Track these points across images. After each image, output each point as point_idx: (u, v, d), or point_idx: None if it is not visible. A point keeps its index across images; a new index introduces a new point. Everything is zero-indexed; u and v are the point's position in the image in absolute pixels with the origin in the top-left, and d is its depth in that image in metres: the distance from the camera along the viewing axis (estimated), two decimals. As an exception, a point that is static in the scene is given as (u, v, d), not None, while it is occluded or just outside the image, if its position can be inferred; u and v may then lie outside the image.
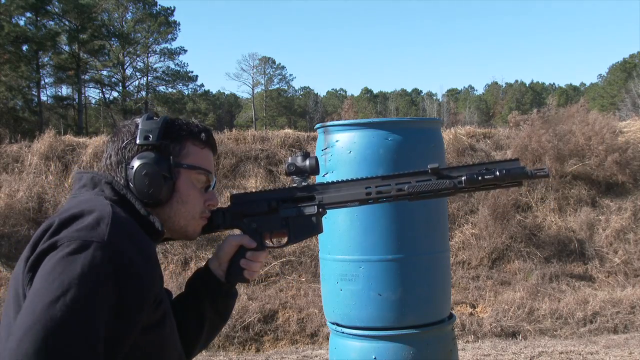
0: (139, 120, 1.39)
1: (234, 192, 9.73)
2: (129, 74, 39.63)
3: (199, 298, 1.45)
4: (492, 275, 8.74)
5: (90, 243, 1.10)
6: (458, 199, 9.93)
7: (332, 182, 1.51)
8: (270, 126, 44.29)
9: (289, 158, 1.54)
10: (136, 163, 1.33)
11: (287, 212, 1.47)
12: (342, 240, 3.01)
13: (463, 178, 1.43)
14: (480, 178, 1.42)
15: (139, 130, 1.36)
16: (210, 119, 49.37)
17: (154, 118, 1.39)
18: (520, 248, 9.20)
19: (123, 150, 1.36)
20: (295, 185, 1.51)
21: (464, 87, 70.84)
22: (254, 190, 1.56)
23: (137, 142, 1.35)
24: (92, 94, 40.81)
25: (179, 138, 1.39)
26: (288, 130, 12.31)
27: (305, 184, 1.51)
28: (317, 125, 3.48)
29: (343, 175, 3.22)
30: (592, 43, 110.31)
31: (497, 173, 1.41)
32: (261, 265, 1.52)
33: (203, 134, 1.42)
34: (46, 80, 35.29)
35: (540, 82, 65.12)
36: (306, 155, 1.53)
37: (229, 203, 1.52)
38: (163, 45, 40.28)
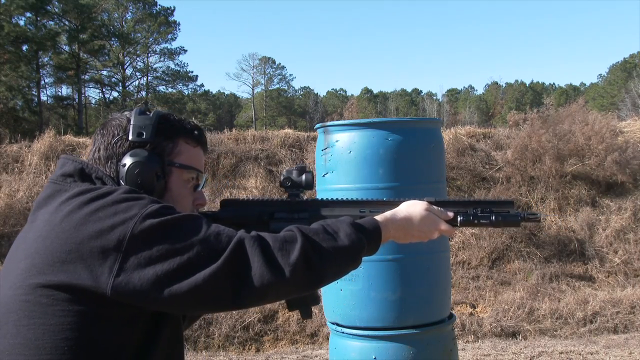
0: (130, 114, 1.35)
1: (235, 192, 9.74)
2: (129, 74, 39.64)
3: None
4: (492, 275, 8.73)
5: None
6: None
7: (327, 200, 1.49)
8: (270, 126, 44.26)
9: (285, 171, 1.52)
10: (128, 160, 1.29)
11: (278, 226, 1.41)
12: (342, 240, 3.00)
13: (460, 218, 1.46)
14: (475, 221, 1.46)
15: (131, 126, 1.32)
16: (210, 119, 49.34)
17: (146, 113, 1.35)
18: (520, 248, 9.19)
19: (114, 146, 1.32)
20: (289, 199, 1.49)
21: (464, 87, 70.80)
22: (245, 197, 1.54)
23: (130, 138, 1.31)
24: (92, 94, 40.84)
25: (171, 135, 1.36)
26: (288, 130, 12.29)
27: (299, 199, 1.49)
28: (317, 125, 3.48)
29: (343, 175, 3.22)
30: (592, 43, 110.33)
31: (493, 218, 1.46)
32: None
33: (196, 132, 1.40)
34: (46, 80, 35.30)
35: (540, 82, 65.02)
36: (302, 170, 1.50)
37: (218, 207, 1.50)
38: (163, 45, 40.33)
